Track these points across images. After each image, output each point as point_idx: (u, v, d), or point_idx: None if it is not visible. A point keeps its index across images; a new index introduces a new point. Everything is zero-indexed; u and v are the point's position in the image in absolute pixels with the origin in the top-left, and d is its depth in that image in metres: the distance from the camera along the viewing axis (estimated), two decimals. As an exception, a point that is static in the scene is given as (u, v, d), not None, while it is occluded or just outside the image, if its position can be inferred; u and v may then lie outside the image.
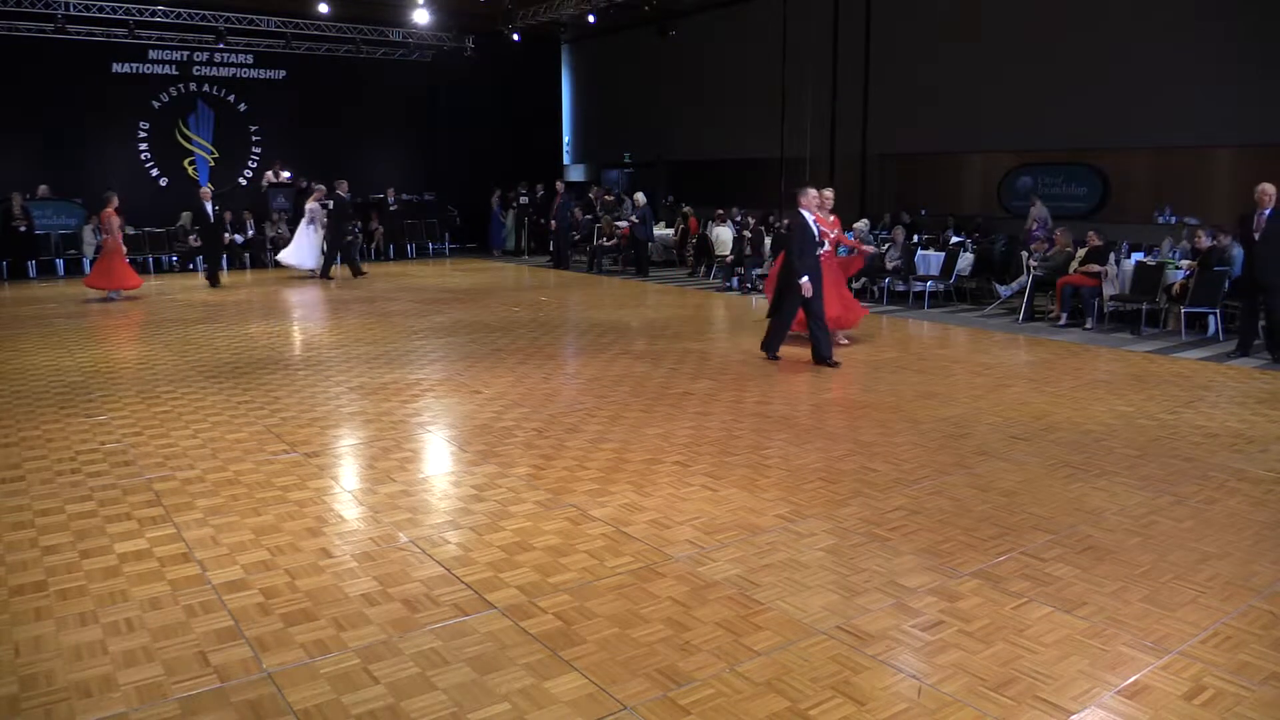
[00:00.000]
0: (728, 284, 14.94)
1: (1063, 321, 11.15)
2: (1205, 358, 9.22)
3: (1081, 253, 11.40)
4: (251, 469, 5.64)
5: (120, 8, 17.58)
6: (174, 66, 19.13)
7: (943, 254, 13.28)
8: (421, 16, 19.00)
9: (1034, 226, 14.17)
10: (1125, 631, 3.58)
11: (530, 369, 8.60)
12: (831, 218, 9.39)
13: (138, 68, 18.72)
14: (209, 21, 18.48)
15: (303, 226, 16.42)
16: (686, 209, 19.02)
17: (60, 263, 17.07)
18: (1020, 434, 6.36)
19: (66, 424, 6.67)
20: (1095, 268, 11.09)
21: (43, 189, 17.26)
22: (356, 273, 16.38)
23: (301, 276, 16.34)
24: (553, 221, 18.65)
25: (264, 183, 19.50)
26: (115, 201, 13.66)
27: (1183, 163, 13.55)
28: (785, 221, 16.57)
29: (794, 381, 8.07)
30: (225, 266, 15.59)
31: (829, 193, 9.39)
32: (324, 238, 16.31)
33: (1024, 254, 12.42)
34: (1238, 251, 10.36)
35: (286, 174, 19.74)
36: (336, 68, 20.54)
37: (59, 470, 5.61)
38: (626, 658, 3.40)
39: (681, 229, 18.77)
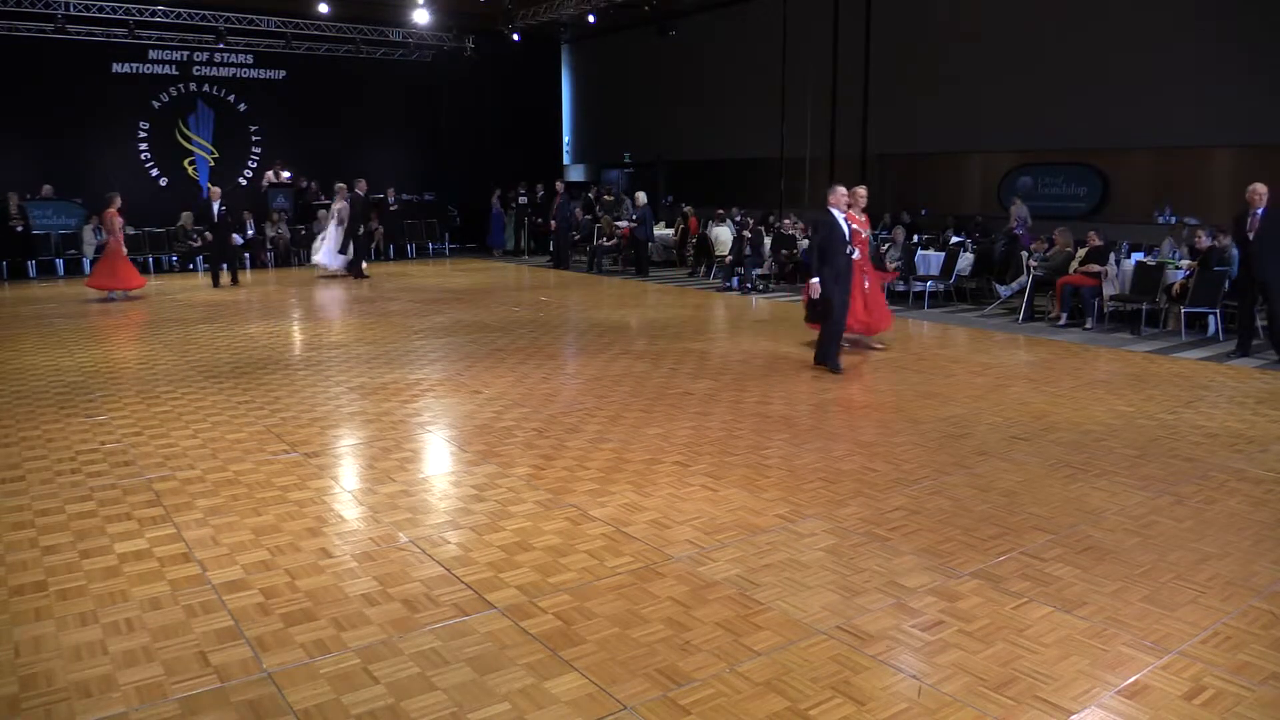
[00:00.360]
0: (728, 284, 14.94)
1: (1063, 321, 11.15)
2: (1205, 358, 9.22)
3: (1081, 253, 11.40)
4: (251, 469, 5.64)
5: (120, 8, 17.59)
6: (174, 66, 19.14)
7: (943, 254, 13.28)
8: (421, 16, 19.02)
9: (1015, 225, 14.24)
10: (1125, 631, 3.58)
11: (530, 369, 8.60)
12: (863, 217, 9.09)
13: (138, 68, 18.73)
14: (209, 21, 18.50)
15: (332, 227, 16.44)
16: (686, 209, 19.02)
17: (60, 263, 17.07)
18: (1020, 434, 6.36)
19: (66, 424, 6.67)
20: (1095, 268, 11.09)
21: (46, 189, 17.27)
22: (358, 274, 16.36)
23: (333, 276, 16.33)
24: (552, 221, 18.65)
25: (264, 183, 19.51)
26: (118, 202, 13.68)
27: (1183, 163, 13.56)
28: (789, 221, 16.65)
29: (794, 381, 8.07)
30: (227, 267, 15.53)
31: (861, 190, 9.06)
32: (343, 237, 16.32)
33: (1024, 254, 12.42)
34: (1237, 251, 10.37)
35: (286, 174, 19.75)
36: (336, 68, 20.55)
37: (59, 470, 5.61)
38: (626, 658, 3.40)
39: (681, 229, 18.77)
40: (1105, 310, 11.05)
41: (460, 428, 6.64)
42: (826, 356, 8.37)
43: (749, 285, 14.55)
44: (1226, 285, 10.16)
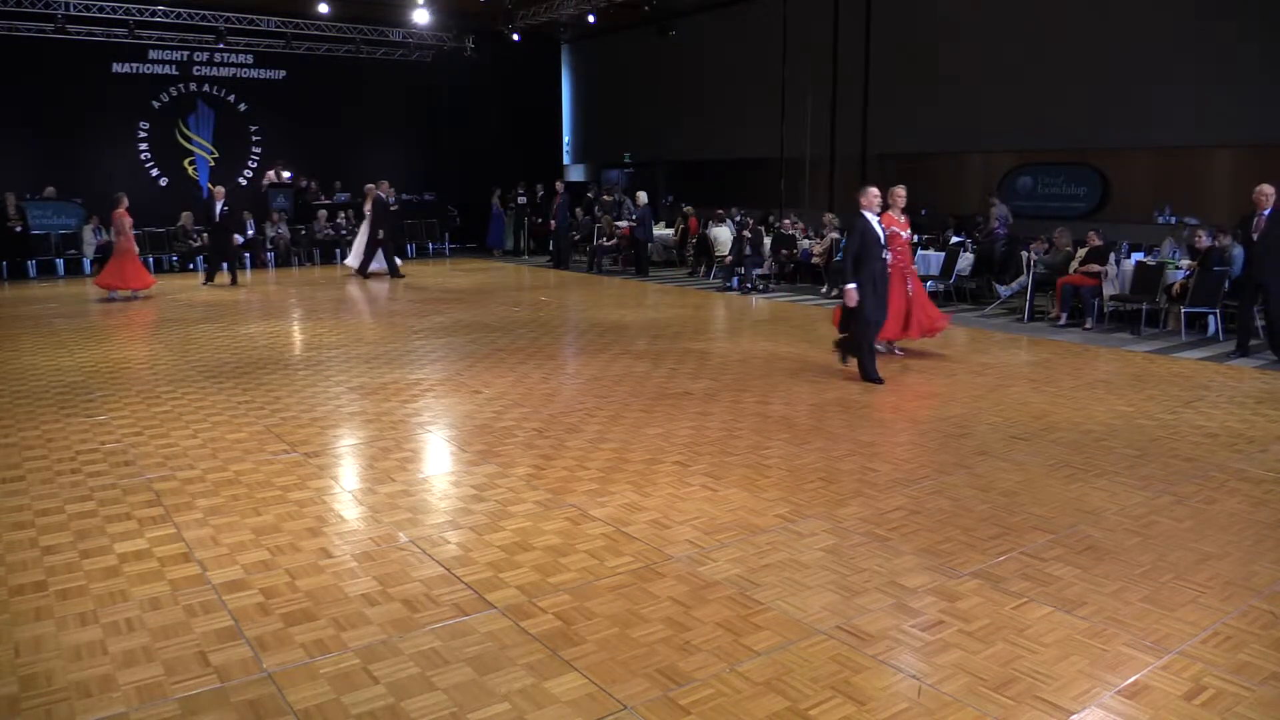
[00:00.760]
0: (728, 284, 14.94)
1: (1063, 321, 11.15)
2: (1205, 358, 9.22)
3: (1082, 253, 11.40)
4: (252, 469, 5.64)
5: (120, 8, 17.58)
6: (174, 66, 19.13)
7: (943, 254, 13.28)
8: (421, 16, 19.02)
9: (996, 225, 14.34)
10: (1125, 631, 3.58)
11: (530, 369, 8.60)
12: (904, 219, 8.66)
13: (138, 68, 18.73)
14: (209, 21, 18.50)
15: (364, 228, 16.49)
16: (687, 209, 19.02)
17: (60, 263, 17.08)
18: (1020, 434, 6.36)
19: (66, 424, 6.67)
20: (1095, 268, 11.09)
21: (49, 190, 17.28)
22: (364, 274, 16.36)
23: (373, 276, 16.38)
24: (552, 221, 18.65)
25: (264, 183, 19.51)
26: (125, 202, 13.76)
27: (1183, 163, 13.55)
28: (789, 221, 16.66)
29: (794, 381, 8.07)
30: (227, 268, 15.54)
31: (900, 190, 8.60)
32: (369, 238, 16.33)
33: (1024, 253, 12.43)
34: (1238, 251, 10.36)
35: (287, 174, 19.76)
36: (336, 68, 20.54)
37: (59, 470, 5.61)
38: (626, 658, 3.40)
39: (681, 229, 18.78)
40: (1105, 310, 11.05)
41: (460, 428, 6.64)
42: (865, 368, 7.96)
43: (749, 285, 14.55)
44: (1226, 285, 10.16)
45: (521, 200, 21.09)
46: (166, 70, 19.08)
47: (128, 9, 17.64)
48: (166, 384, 7.99)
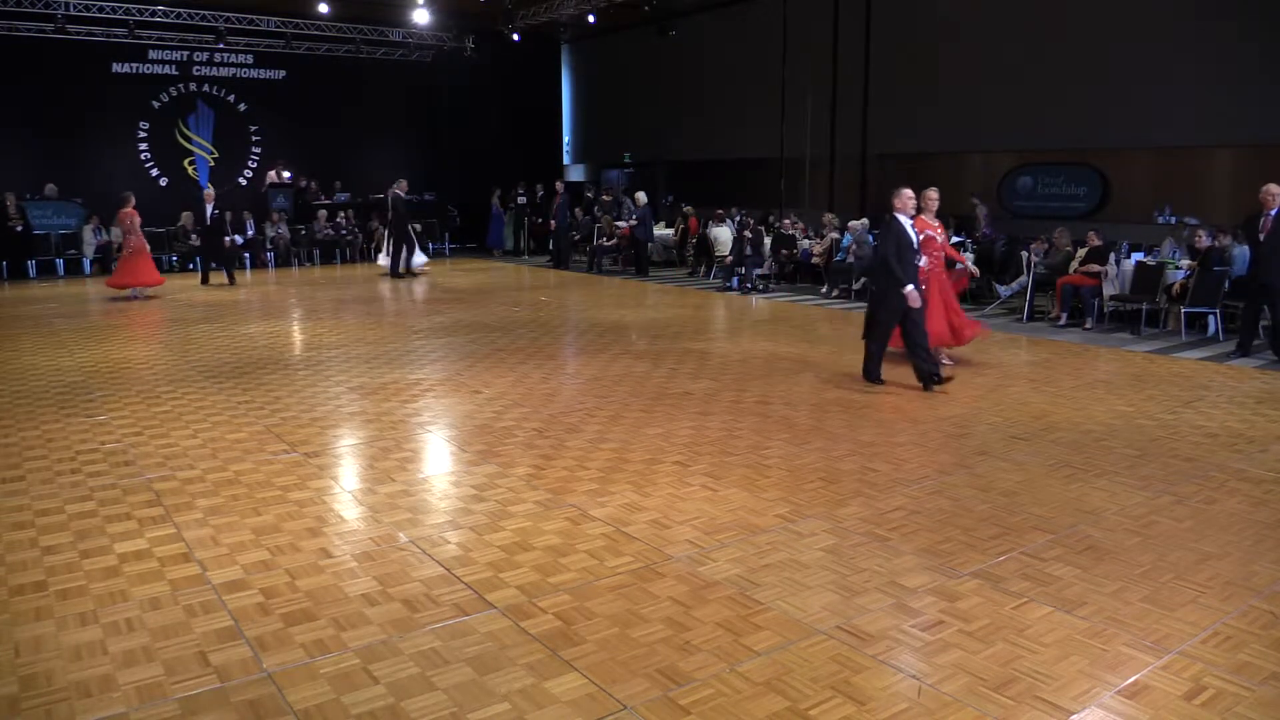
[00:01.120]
0: (728, 284, 14.94)
1: (1063, 321, 11.15)
2: (1205, 358, 9.22)
3: (1082, 253, 11.40)
4: (252, 469, 5.64)
5: (120, 8, 17.58)
6: (174, 66, 19.13)
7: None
8: (421, 16, 19.01)
9: (984, 225, 14.51)
10: (1125, 631, 3.58)
11: (530, 369, 8.60)
12: (937, 222, 8.29)
13: (138, 68, 18.72)
14: (209, 21, 18.49)
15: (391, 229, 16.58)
16: (686, 209, 19.02)
17: (60, 263, 17.07)
18: (1020, 434, 6.36)
19: (66, 424, 6.67)
20: (1095, 268, 11.09)
21: (50, 188, 17.27)
22: (396, 274, 16.37)
23: (416, 275, 16.50)
24: (552, 221, 18.65)
25: (266, 182, 19.50)
26: (133, 201, 13.83)
27: (1183, 163, 13.55)
28: (789, 221, 16.65)
29: (794, 381, 8.07)
30: (224, 269, 15.56)
31: (933, 193, 8.20)
32: (391, 237, 16.40)
33: (1024, 253, 12.43)
34: (1238, 251, 10.36)
35: (287, 174, 19.75)
36: (336, 68, 20.54)
37: (59, 470, 5.61)
38: (626, 658, 3.40)
39: (681, 229, 18.78)
40: (1105, 310, 11.05)
41: (460, 428, 6.64)
42: (870, 370, 7.84)
43: (749, 285, 14.55)
44: (1226, 285, 10.16)
45: (521, 200, 21.09)
46: (166, 70, 19.08)
47: (128, 9, 17.64)
48: (166, 384, 7.99)
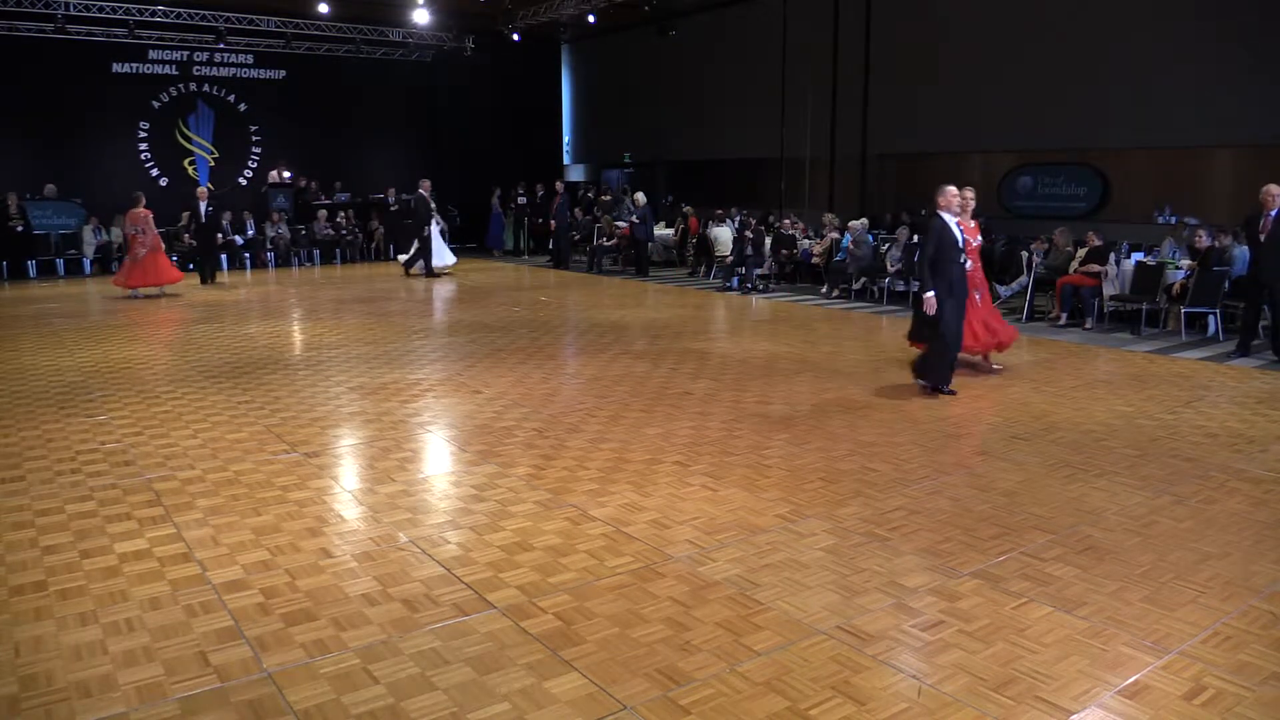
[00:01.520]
0: (728, 284, 14.94)
1: (1063, 321, 11.15)
2: (1205, 358, 9.22)
3: (1082, 253, 11.40)
4: (252, 469, 5.64)
5: (120, 8, 17.58)
6: (174, 66, 19.13)
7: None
8: (421, 16, 19.01)
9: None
10: (1125, 631, 3.58)
11: (530, 369, 8.60)
12: (973, 223, 8.03)
13: (138, 68, 18.73)
14: (209, 21, 18.49)
15: (435, 229, 16.63)
16: (686, 209, 19.02)
17: (60, 263, 17.07)
18: (1020, 434, 6.36)
19: (66, 424, 6.67)
20: (1095, 268, 11.09)
21: (50, 188, 17.27)
22: (431, 273, 16.40)
23: (448, 273, 16.63)
24: (552, 221, 18.65)
25: (267, 183, 19.51)
26: (144, 200, 13.97)
27: (1183, 163, 13.55)
28: (789, 221, 16.65)
29: (794, 381, 8.07)
30: (224, 267, 15.59)
31: (970, 192, 7.95)
32: (423, 237, 16.45)
33: (1024, 253, 12.43)
34: (1238, 251, 10.36)
35: (287, 174, 19.76)
36: (336, 68, 20.55)
37: (59, 470, 5.61)
38: (626, 658, 3.40)
39: (681, 229, 18.78)
40: (1105, 310, 11.05)
41: (460, 428, 6.64)
42: (938, 376, 7.38)
43: (749, 285, 14.55)
44: (1226, 285, 10.16)
45: (521, 200, 21.09)
46: (166, 70, 19.08)
47: (128, 9, 17.64)
48: (166, 384, 7.99)
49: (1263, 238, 8.99)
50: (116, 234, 17.16)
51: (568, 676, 3.27)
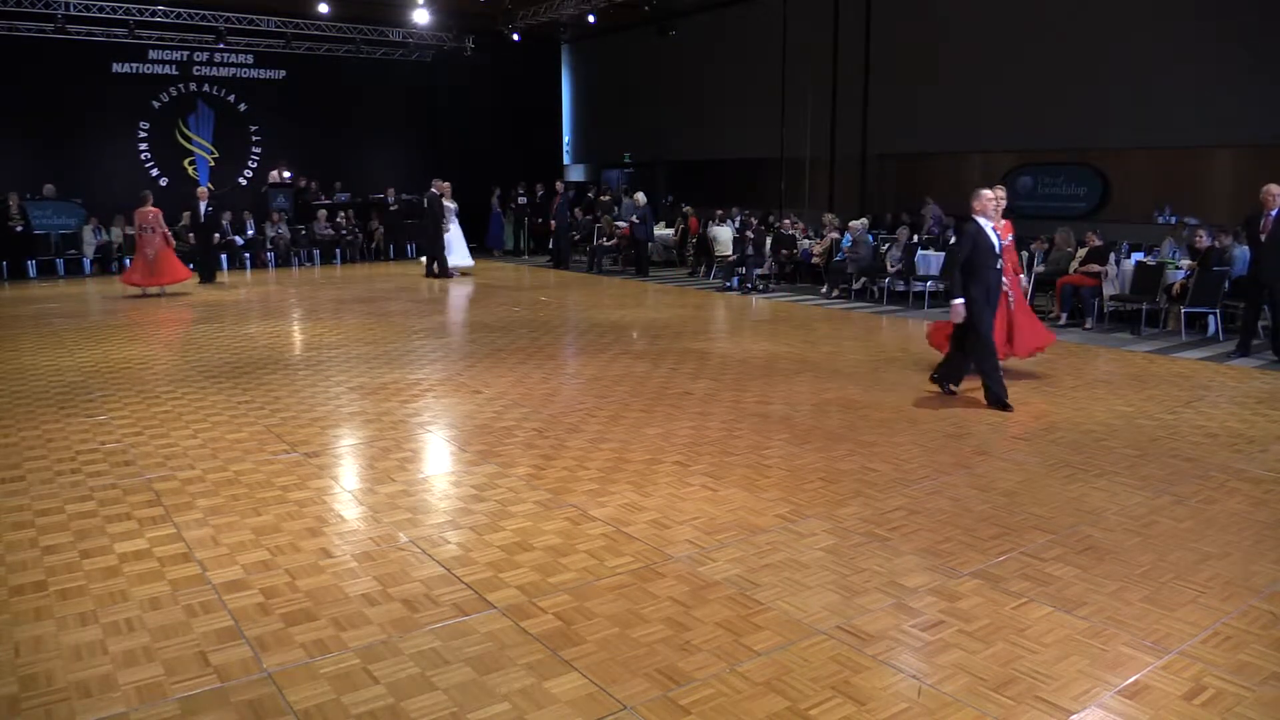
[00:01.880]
0: (728, 284, 14.94)
1: (1063, 321, 11.14)
2: (1205, 358, 9.22)
3: (1082, 253, 11.40)
4: (252, 469, 5.64)
5: (120, 8, 17.58)
6: (174, 66, 19.14)
7: (943, 254, 13.27)
8: (421, 16, 19.01)
9: (932, 223, 14.69)
10: (1125, 631, 3.58)
11: (530, 369, 8.60)
12: (1004, 222, 7.76)
13: (138, 68, 18.73)
14: (209, 21, 18.50)
15: (455, 228, 16.60)
16: (686, 209, 19.02)
17: (60, 263, 17.07)
18: (1020, 434, 6.36)
19: (66, 424, 6.67)
20: (1095, 268, 11.09)
21: (49, 189, 17.28)
22: (447, 274, 16.36)
23: (465, 274, 16.59)
24: (552, 221, 18.65)
25: (268, 183, 19.51)
26: (151, 199, 14.01)
27: (1183, 163, 13.55)
28: (789, 221, 16.64)
29: (794, 381, 8.07)
30: (224, 267, 15.60)
31: (1001, 191, 7.72)
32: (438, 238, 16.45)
33: (1024, 253, 12.42)
34: (1238, 251, 10.35)
35: (287, 174, 19.76)
36: (336, 68, 20.55)
37: (59, 470, 5.61)
38: (626, 658, 3.40)
39: (681, 229, 18.78)
40: (1105, 310, 11.05)
41: (460, 428, 6.64)
42: (996, 389, 7.03)
43: (749, 285, 14.55)
44: (1226, 285, 10.15)
45: (521, 200, 21.09)
46: (166, 70, 19.09)
47: (128, 9, 17.64)
48: (166, 384, 7.99)
49: (1263, 238, 8.98)
50: (116, 234, 17.18)
51: (568, 676, 3.27)
